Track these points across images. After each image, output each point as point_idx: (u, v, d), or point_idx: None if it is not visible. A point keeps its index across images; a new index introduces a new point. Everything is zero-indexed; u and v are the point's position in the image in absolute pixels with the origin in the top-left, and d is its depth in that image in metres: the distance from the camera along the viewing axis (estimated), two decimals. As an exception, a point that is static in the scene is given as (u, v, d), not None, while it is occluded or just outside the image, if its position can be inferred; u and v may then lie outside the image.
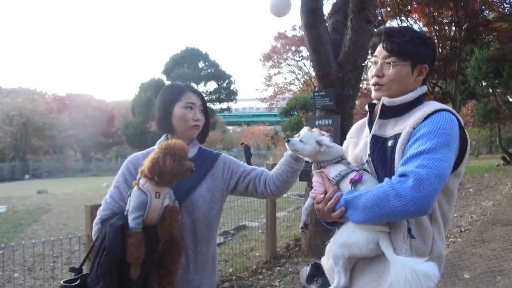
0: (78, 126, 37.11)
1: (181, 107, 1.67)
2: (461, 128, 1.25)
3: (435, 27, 13.03)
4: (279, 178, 1.68)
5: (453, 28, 13.20)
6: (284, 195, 6.42)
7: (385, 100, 1.34)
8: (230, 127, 51.19)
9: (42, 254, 4.06)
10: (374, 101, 1.43)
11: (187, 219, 1.62)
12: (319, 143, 1.37)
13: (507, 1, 11.94)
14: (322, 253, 5.05)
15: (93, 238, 1.61)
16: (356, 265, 1.32)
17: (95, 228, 1.63)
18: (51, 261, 4.56)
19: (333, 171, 1.34)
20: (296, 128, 23.69)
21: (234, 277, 4.17)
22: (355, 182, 1.27)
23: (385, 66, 1.35)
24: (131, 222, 1.44)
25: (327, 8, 5.40)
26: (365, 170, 1.33)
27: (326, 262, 1.48)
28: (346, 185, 1.30)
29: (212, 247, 1.72)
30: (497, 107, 17.68)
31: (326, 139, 1.38)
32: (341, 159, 1.37)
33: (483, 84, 16.57)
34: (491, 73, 14.53)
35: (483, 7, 12.28)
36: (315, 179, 1.39)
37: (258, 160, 32.15)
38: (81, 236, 3.03)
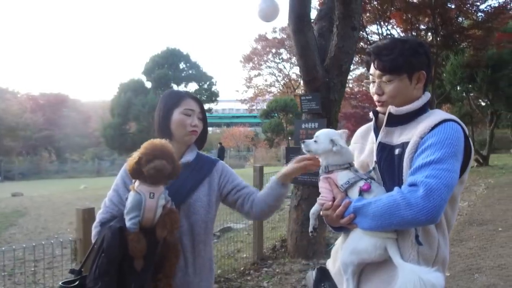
0: (53, 127, 36.16)
1: (180, 113, 1.71)
2: (466, 138, 1.29)
3: (413, 33, 13.40)
4: (264, 201, 1.70)
5: (430, 34, 13.62)
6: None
7: (392, 109, 1.36)
8: (210, 128, 50.90)
9: (23, 258, 3.97)
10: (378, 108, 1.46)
11: (185, 222, 1.66)
12: (333, 142, 1.38)
13: (481, 10, 12.42)
14: (308, 254, 5.08)
15: (93, 240, 1.64)
16: (363, 271, 1.35)
17: (94, 231, 1.66)
18: (32, 266, 4.45)
19: (341, 177, 1.37)
20: (277, 129, 23.84)
21: (222, 279, 4.20)
22: (363, 192, 1.31)
23: (383, 84, 1.38)
24: (127, 223, 1.49)
25: (313, 14, 5.50)
26: (372, 178, 1.37)
27: (332, 265, 1.50)
28: (354, 193, 1.33)
29: (208, 250, 1.77)
30: (470, 111, 18.37)
31: (340, 139, 1.40)
32: (349, 166, 1.39)
33: (458, 88, 17.17)
34: (465, 78, 15.10)
35: (459, 15, 12.71)
36: (322, 185, 1.41)
37: (239, 162, 32.09)
38: (72, 240, 2.99)
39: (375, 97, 1.41)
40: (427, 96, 1.39)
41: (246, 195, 1.75)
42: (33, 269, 4.56)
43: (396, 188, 1.24)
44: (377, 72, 1.37)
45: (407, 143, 1.30)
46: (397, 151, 1.33)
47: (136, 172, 1.51)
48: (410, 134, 1.31)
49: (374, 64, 1.38)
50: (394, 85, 1.35)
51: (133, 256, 1.46)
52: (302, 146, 1.47)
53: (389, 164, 1.34)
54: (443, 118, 1.28)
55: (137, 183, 1.53)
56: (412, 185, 1.18)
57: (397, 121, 1.37)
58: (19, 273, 4.24)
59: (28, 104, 37.95)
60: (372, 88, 1.42)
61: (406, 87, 1.35)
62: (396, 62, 1.33)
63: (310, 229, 1.49)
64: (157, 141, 1.56)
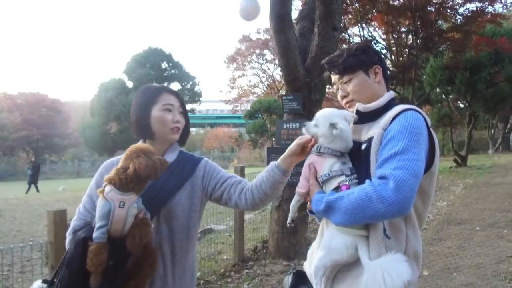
0: (31, 127, 35.17)
1: (159, 109, 1.58)
2: (428, 127, 1.32)
3: (394, 35, 13.60)
4: (258, 188, 1.56)
5: (410, 36, 13.83)
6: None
7: (359, 106, 1.42)
8: (193, 129, 50.52)
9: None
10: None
11: (165, 228, 1.55)
12: (333, 125, 1.32)
13: (459, 13, 12.68)
14: (289, 255, 5.06)
15: (67, 248, 1.54)
16: (337, 272, 1.35)
17: (68, 238, 1.56)
18: (4, 270, 4.30)
19: (326, 166, 1.33)
20: (261, 130, 23.83)
21: (202, 281, 4.13)
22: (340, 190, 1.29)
23: (344, 86, 1.47)
24: (94, 232, 1.37)
25: (294, 14, 5.49)
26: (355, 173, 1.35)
27: (308, 267, 1.48)
28: (330, 187, 1.31)
29: (190, 257, 1.65)
30: (449, 112, 18.76)
31: (342, 122, 1.33)
32: (340, 155, 1.35)
33: (437, 90, 17.51)
34: (444, 80, 15.37)
35: (438, 18, 12.95)
36: (303, 173, 1.41)
37: (223, 163, 31.94)
38: (42, 243, 2.88)
39: (344, 101, 1.50)
40: (391, 94, 1.46)
41: (232, 185, 1.62)
42: (6, 273, 4.40)
43: (367, 181, 1.24)
44: (336, 76, 1.49)
45: (373, 138, 1.33)
46: (363, 146, 1.36)
47: (139, 176, 1.37)
48: (376, 130, 1.34)
49: (331, 72, 1.52)
50: (354, 82, 1.44)
51: (89, 270, 1.33)
52: (303, 129, 1.44)
53: (356, 159, 1.37)
54: (403, 108, 1.33)
55: (107, 188, 1.39)
56: (382, 177, 1.19)
57: (364, 118, 1.42)
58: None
59: (5, 104, 36.75)
60: (339, 95, 1.51)
61: (366, 81, 1.44)
62: (348, 61, 1.45)
63: (289, 220, 1.52)
64: (143, 144, 1.49)
